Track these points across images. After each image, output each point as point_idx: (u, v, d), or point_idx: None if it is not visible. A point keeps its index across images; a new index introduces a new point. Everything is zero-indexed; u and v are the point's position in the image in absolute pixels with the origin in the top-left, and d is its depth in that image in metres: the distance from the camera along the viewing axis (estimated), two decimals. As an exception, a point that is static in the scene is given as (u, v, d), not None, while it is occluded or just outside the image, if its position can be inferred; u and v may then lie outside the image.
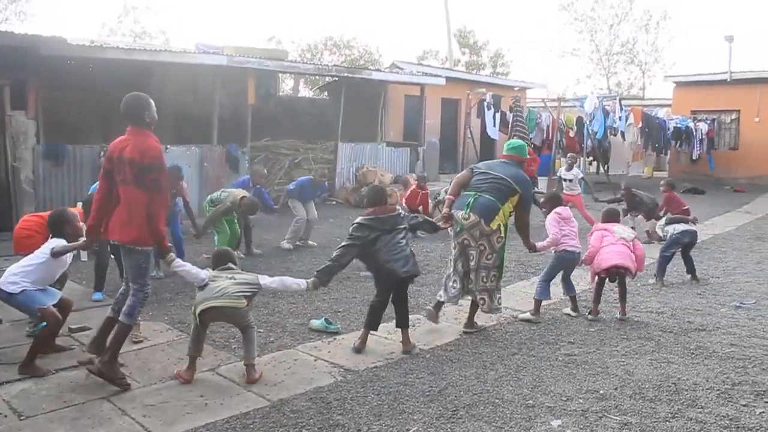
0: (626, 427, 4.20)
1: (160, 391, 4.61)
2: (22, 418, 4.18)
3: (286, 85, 30.85)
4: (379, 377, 4.98)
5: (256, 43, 32.41)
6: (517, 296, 7.47)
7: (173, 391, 4.64)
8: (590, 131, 18.32)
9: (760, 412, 4.46)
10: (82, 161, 11.23)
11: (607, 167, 20.49)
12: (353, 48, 40.98)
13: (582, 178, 12.03)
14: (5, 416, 4.19)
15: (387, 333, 5.94)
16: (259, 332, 5.95)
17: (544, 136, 20.02)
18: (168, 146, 12.11)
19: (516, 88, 22.56)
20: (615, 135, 19.68)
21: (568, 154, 14.11)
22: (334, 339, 5.84)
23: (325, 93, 21.08)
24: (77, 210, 6.44)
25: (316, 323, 6.15)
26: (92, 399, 4.46)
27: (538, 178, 18.27)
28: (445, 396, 4.64)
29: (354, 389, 4.74)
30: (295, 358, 5.37)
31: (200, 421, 4.15)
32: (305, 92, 31.26)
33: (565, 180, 11.60)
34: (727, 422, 4.30)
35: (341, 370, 5.13)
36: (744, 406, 4.57)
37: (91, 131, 13.25)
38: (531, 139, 19.30)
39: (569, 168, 11.74)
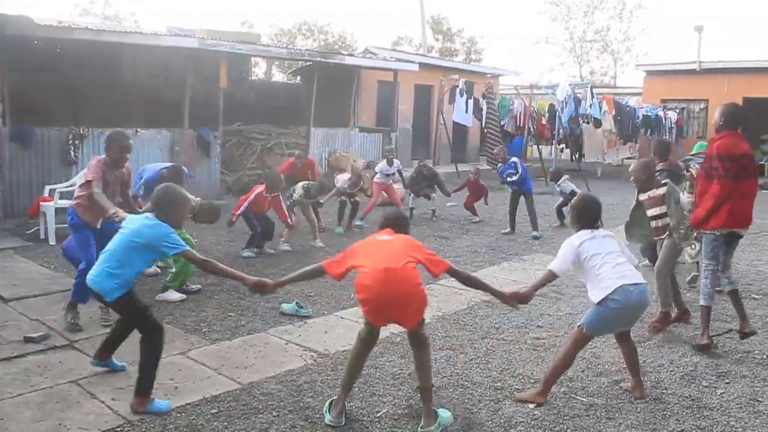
0: (592, 408, 4.28)
1: (130, 375, 4.58)
2: (-12, 402, 4.14)
3: (259, 69, 30.59)
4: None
5: (229, 26, 32.06)
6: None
7: (143, 374, 4.62)
8: (561, 118, 18.45)
9: (720, 393, 4.58)
10: (50, 144, 11.03)
11: (579, 155, 20.66)
12: (327, 33, 40.73)
13: (400, 170, 11.83)
14: (-29, 400, 4.15)
15: (358, 317, 5.97)
16: (230, 316, 5.98)
17: (517, 122, 20.17)
18: (138, 129, 11.98)
19: (489, 75, 22.65)
20: (588, 123, 19.84)
21: (385, 148, 13.89)
22: (305, 323, 5.86)
23: (298, 77, 20.93)
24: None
25: (287, 307, 6.16)
26: (60, 383, 4.43)
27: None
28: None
29: (325, 372, 4.77)
30: (266, 342, 5.38)
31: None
32: (278, 76, 31.04)
33: (387, 174, 11.42)
34: (690, 402, 4.41)
35: (312, 353, 5.15)
36: (706, 387, 4.69)
37: (59, 114, 13.03)
38: (504, 125, 19.46)
39: (390, 163, 11.47)
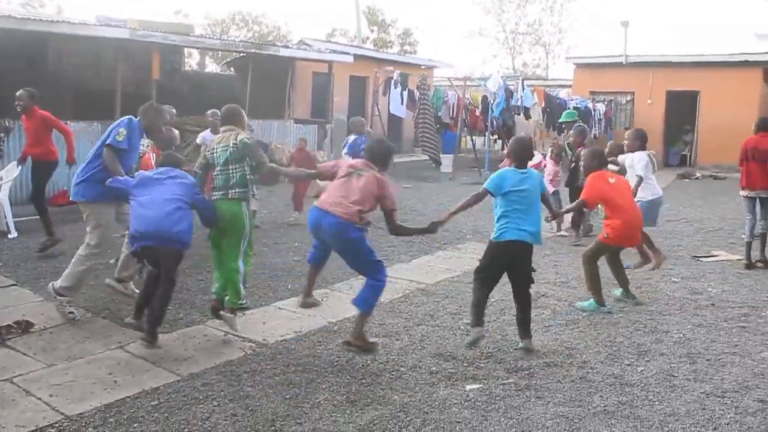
0: (526, 388, 4.49)
1: (67, 371, 4.57)
2: None
3: (193, 60, 30.12)
4: (288, 350, 5.10)
5: (161, 17, 31.39)
6: (423, 270, 7.73)
7: (80, 369, 4.60)
8: (493, 110, 18.82)
9: (641, 370, 4.87)
10: (-27, 138, 10.69)
11: (511, 145, 21.09)
12: (262, 24, 40.39)
13: None
14: None
15: (296, 307, 6.08)
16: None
17: (451, 113, 20.47)
18: (68, 122, 11.68)
19: (423, 67, 22.92)
20: (519, 114, 20.30)
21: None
22: (243, 314, 5.89)
23: (232, 69, 20.74)
24: None
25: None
26: (-7, 381, 4.38)
27: (443, 155, 18.75)
28: (352, 366, 4.82)
29: (264, 362, 4.84)
30: (205, 334, 5.42)
31: (110, 398, 4.15)
32: (212, 67, 30.62)
33: None
34: (613, 380, 4.67)
35: (251, 344, 5.22)
36: (628, 365, 4.97)
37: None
38: (440, 116, 19.71)
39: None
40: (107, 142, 5.63)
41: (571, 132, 10.49)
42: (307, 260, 6.11)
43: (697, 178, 19.04)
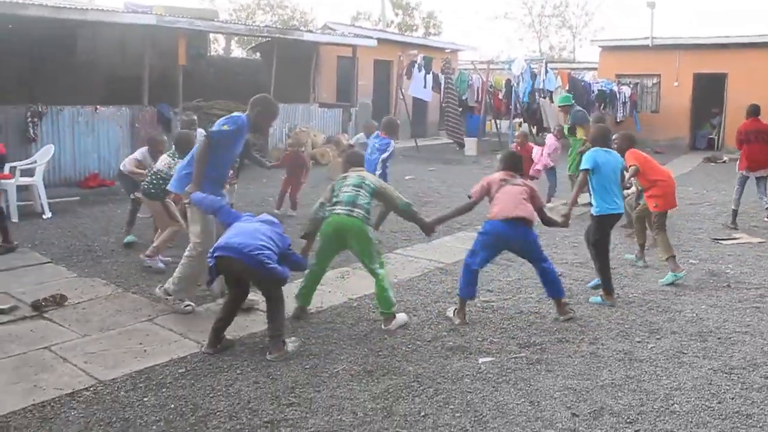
0: (537, 362, 4.66)
1: (100, 341, 4.84)
2: (-37, 368, 4.35)
3: (218, 45, 30.39)
4: (309, 323, 5.32)
5: (187, 2, 31.67)
6: (443, 249, 7.90)
7: (112, 340, 4.88)
8: (518, 93, 18.84)
9: (651, 347, 5.00)
10: (8, 122, 11.00)
11: (538, 129, 21.12)
12: (286, 8, 40.54)
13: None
14: (-54, 367, 4.36)
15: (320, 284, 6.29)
16: (198, 286, 6.18)
17: (476, 97, 20.52)
18: (97, 107, 12.01)
19: (447, 51, 22.91)
20: (545, 98, 20.27)
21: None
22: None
23: (257, 53, 20.94)
24: None
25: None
26: (33, 349, 4.66)
27: (467, 138, 18.85)
28: (369, 339, 5.02)
29: (284, 334, 5.05)
30: (230, 309, 5.64)
31: (140, 365, 4.41)
32: (237, 52, 30.89)
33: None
34: (622, 356, 4.81)
35: (274, 318, 5.43)
36: (638, 342, 5.11)
37: (16, 92, 12.95)
38: (466, 99, 19.78)
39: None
40: (207, 132, 5.51)
41: (568, 117, 10.87)
42: (464, 295, 5.58)
43: (723, 162, 18.85)
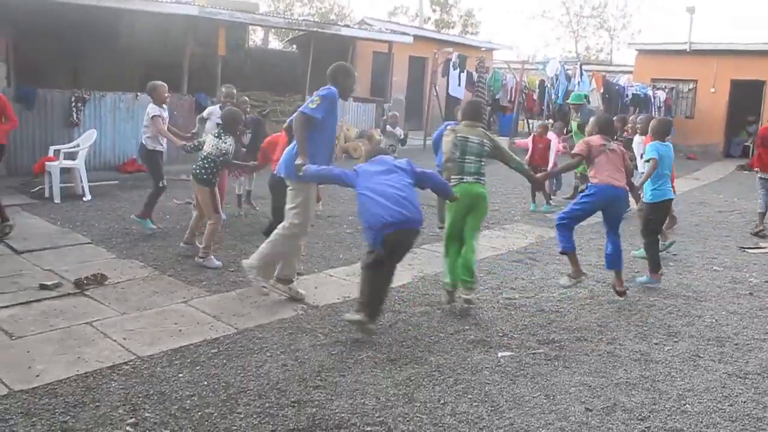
0: (555, 359, 4.81)
1: (138, 319, 5.10)
2: (13, 338, 4.64)
3: (257, 36, 30.75)
4: (336, 312, 5.52)
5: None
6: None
7: (150, 319, 5.14)
8: (552, 95, 18.86)
9: (668, 349, 5.12)
10: (53, 106, 11.40)
11: (567, 131, 21.05)
12: (324, 1, 40.78)
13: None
14: (-3, 336, 4.65)
15: (346, 275, 6.50)
16: (230, 271, 6.45)
17: (510, 97, 20.58)
18: (138, 94, 12.34)
19: (483, 49, 22.97)
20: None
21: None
22: (298, 278, 6.32)
23: (294, 46, 21.20)
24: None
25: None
26: (76, 324, 4.93)
27: (500, 137, 18.90)
28: (394, 329, 5.21)
29: (314, 321, 5.28)
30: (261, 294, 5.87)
31: (176, 344, 4.66)
32: (274, 44, 31.21)
33: None
34: (639, 356, 4.94)
35: (303, 305, 5.65)
36: (656, 344, 5.23)
37: (62, 77, 13.36)
38: (499, 99, 19.84)
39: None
40: (300, 109, 5.40)
41: (578, 114, 11.37)
42: (566, 249, 6.20)
43: (756, 170, 18.68)
